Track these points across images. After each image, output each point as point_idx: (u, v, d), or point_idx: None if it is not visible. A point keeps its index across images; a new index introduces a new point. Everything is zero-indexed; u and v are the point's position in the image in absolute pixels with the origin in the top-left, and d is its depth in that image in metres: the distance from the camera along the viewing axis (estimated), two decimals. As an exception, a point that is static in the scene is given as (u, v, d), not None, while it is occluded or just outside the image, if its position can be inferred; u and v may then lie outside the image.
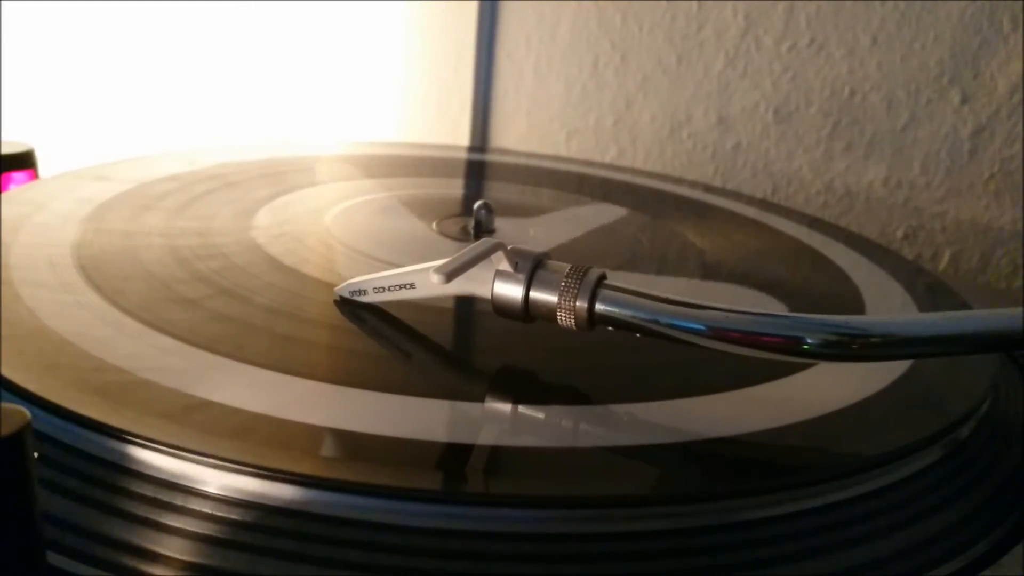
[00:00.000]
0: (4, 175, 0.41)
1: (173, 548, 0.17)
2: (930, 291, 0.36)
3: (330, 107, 0.77)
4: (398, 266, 0.27)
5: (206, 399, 0.21)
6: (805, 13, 0.54)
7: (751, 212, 0.47)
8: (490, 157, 0.59)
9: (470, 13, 0.67)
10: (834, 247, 0.41)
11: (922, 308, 0.33)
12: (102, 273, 0.28)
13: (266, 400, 0.21)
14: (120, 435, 0.19)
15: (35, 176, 0.42)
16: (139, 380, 0.21)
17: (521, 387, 0.24)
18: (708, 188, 0.53)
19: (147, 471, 0.18)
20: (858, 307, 0.33)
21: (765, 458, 0.21)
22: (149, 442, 0.18)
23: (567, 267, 0.23)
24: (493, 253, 0.24)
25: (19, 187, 0.40)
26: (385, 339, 0.26)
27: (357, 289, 0.27)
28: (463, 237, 0.37)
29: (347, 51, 0.75)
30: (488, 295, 0.24)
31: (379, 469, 0.19)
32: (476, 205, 0.36)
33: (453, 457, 0.20)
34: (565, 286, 0.23)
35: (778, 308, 0.31)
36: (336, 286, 0.28)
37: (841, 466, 0.21)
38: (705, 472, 0.21)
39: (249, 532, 0.17)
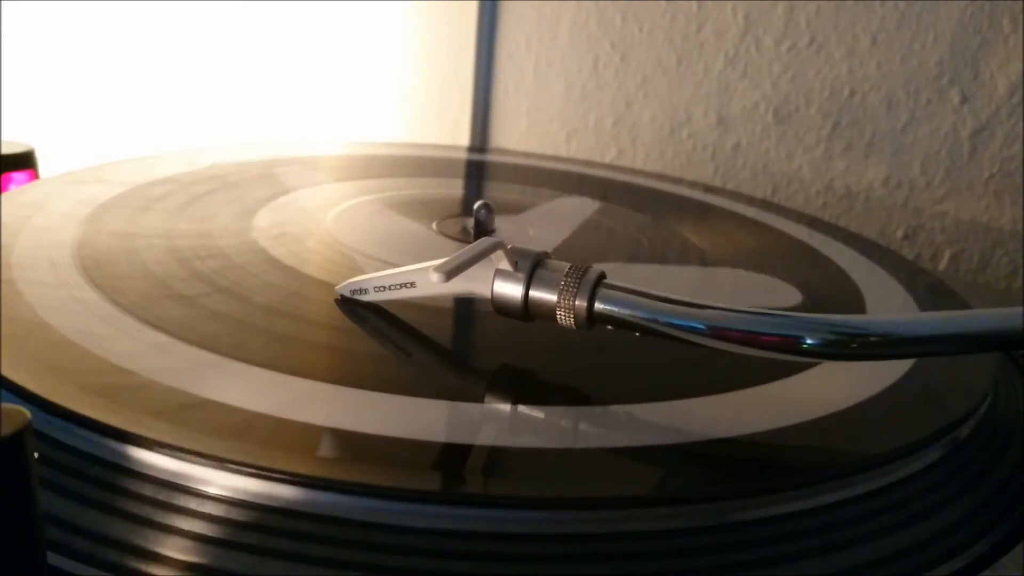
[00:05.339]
0: (4, 175, 0.41)
1: (173, 548, 0.17)
2: (930, 291, 0.36)
3: (330, 107, 0.77)
4: (398, 266, 0.27)
5: (207, 399, 0.21)
6: (805, 13, 0.54)
7: (751, 212, 0.47)
8: (490, 157, 0.59)
9: (470, 13, 0.67)
10: (834, 247, 0.41)
11: (922, 308, 0.33)
12: (102, 273, 0.28)
13: (267, 399, 0.21)
14: (120, 435, 0.19)
15: (35, 176, 0.42)
16: (140, 380, 0.21)
17: (521, 387, 0.24)
18: (708, 188, 0.53)
19: (147, 471, 0.18)
20: (859, 307, 0.33)
21: (765, 458, 0.21)
22: (149, 442, 0.18)
23: (567, 266, 0.23)
24: (493, 252, 0.24)
25: (19, 188, 0.40)
26: (386, 338, 0.26)
27: (358, 288, 0.27)
28: (463, 237, 0.37)
29: (347, 51, 0.75)
30: (488, 294, 0.24)
31: (379, 469, 0.19)
32: (476, 205, 0.36)
33: (453, 457, 0.20)
34: (565, 285, 0.23)
35: (785, 293, 0.31)
36: (336, 285, 0.28)
37: (841, 466, 0.21)
38: (705, 473, 0.21)
39: (249, 532, 0.17)
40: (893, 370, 0.26)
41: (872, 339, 0.20)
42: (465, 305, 0.29)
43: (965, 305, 0.34)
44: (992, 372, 0.27)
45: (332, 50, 0.75)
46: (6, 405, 0.13)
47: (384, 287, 0.27)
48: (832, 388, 0.25)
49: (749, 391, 0.24)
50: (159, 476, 0.18)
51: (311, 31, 0.75)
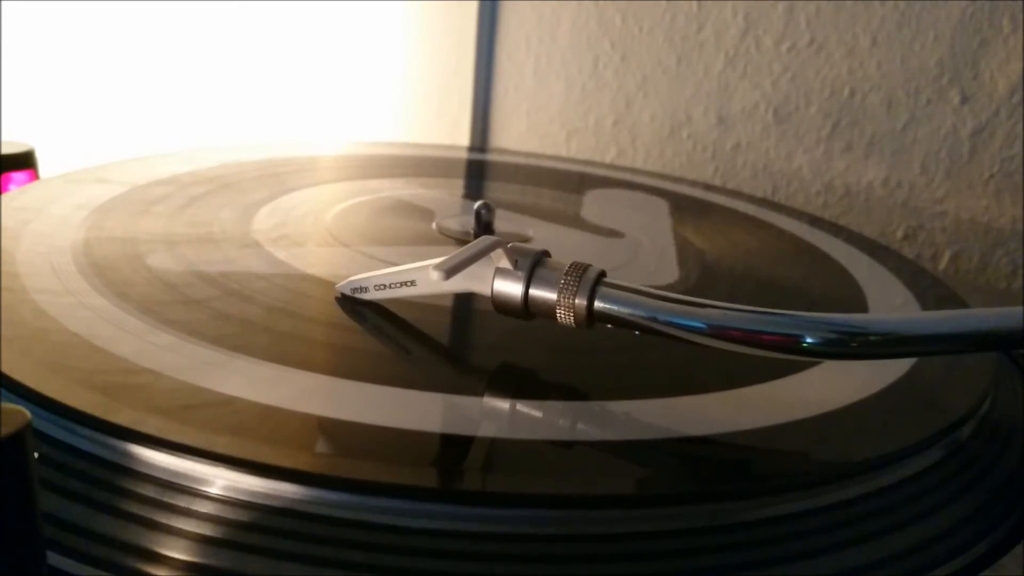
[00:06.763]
0: (4, 175, 0.41)
1: (173, 548, 0.17)
2: (930, 291, 0.36)
3: (330, 107, 0.76)
4: (399, 265, 0.27)
5: (207, 397, 0.21)
6: (805, 13, 0.54)
7: (751, 211, 0.47)
8: (490, 157, 0.59)
9: (470, 13, 0.67)
10: (835, 245, 0.41)
11: (922, 308, 0.33)
12: (103, 273, 0.28)
13: (268, 394, 0.21)
14: (120, 433, 0.19)
15: (35, 176, 0.42)
16: (141, 379, 0.21)
17: (520, 384, 0.24)
18: (708, 187, 0.53)
19: (148, 470, 0.18)
20: (860, 305, 0.33)
21: (765, 458, 0.21)
22: (150, 440, 0.18)
23: (566, 265, 0.23)
24: (493, 251, 0.24)
25: (18, 188, 0.40)
26: (386, 336, 0.26)
27: (358, 286, 0.27)
28: (463, 237, 0.37)
29: (347, 51, 0.75)
30: (488, 292, 0.24)
31: (379, 467, 0.19)
32: (476, 205, 0.36)
33: (449, 455, 0.20)
34: (564, 283, 0.23)
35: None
36: (337, 284, 0.28)
37: (841, 466, 0.21)
38: (705, 472, 0.21)
39: (251, 531, 0.17)
40: (893, 370, 0.26)
41: (872, 338, 0.20)
42: (465, 304, 0.29)
43: (965, 305, 0.34)
44: (992, 372, 0.27)
45: (332, 50, 0.75)
46: (6, 405, 0.13)
47: (384, 285, 0.27)
48: (832, 388, 0.24)
49: (749, 390, 0.24)
50: (159, 475, 0.18)
51: (311, 31, 0.75)
